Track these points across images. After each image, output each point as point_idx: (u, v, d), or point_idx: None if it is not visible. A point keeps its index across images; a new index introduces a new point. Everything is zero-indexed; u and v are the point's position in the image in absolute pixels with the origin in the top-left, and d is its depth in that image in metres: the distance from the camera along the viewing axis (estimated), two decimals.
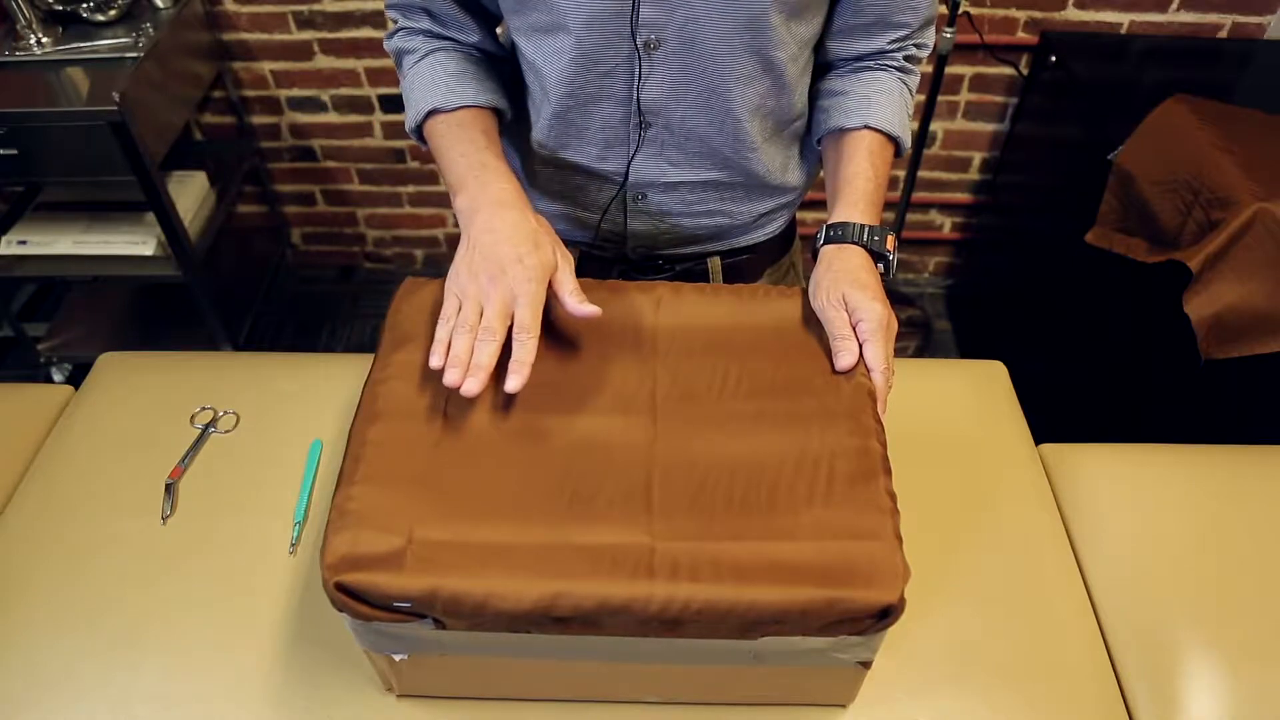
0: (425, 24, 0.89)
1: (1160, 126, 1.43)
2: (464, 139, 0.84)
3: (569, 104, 0.87)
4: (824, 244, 0.83)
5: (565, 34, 0.81)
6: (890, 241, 0.83)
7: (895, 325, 0.77)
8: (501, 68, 0.94)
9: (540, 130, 0.91)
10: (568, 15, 0.79)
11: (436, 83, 0.86)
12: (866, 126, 0.88)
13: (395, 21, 0.91)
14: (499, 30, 0.93)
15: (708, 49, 0.81)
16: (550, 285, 0.74)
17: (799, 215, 1.08)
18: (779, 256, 1.08)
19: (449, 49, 0.89)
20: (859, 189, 0.86)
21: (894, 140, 0.90)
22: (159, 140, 1.70)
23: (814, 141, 0.96)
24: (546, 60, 0.85)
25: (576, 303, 0.73)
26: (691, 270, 1.02)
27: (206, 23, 1.91)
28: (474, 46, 0.91)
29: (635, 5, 0.78)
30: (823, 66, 0.93)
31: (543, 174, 0.96)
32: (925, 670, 0.78)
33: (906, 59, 0.91)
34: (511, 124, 0.97)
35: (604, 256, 1.01)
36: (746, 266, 1.04)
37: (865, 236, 0.82)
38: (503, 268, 0.72)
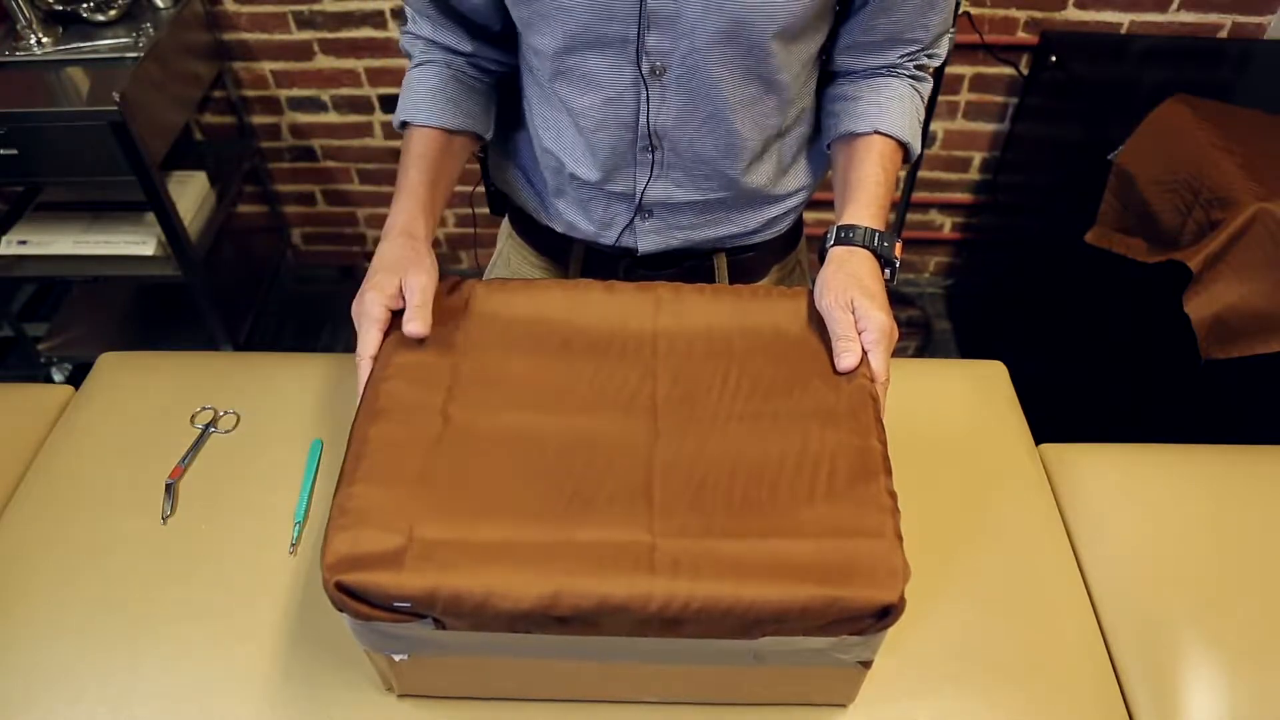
0: (427, 30, 0.91)
1: (1160, 126, 1.43)
2: (413, 159, 0.88)
3: (580, 122, 0.88)
4: (833, 245, 0.84)
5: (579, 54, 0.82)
6: (899, 248, 0.83)
7: (896, 335, 0.77)
8: (491, 85, 0.95)
9: (552, 142, 0.93)
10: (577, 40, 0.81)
11: (416, 96, 0.90)
12: (877, 132, 0.88)
13: (410, 19, 0.93)
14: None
15: (711, 75, 0.82)
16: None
17: (801, 215, 1.08)
18: (785, 254, 1.08)
19: (439, 64, 0.91)
20: (869, 193, 0.86)
21: (904, 146, 0.90)
22: (159, 140, 1.70)
23: (824, 145, 0.96)
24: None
25: (406, 324, 0.78)
26: (697, 267, 1.02)
27: (206, 23, 1.91)
28: (470, 56, 0.92)
29: (640, 33, 0.79)
30: (833, 74, 0.94)
31: (553, 184, 0.97)
32: (925, 670, 0.78)
33: (918, 68, 0.91)
34: (518, 136, 0.98)
35: (611, 253, 1.01)
36: (752, 263, 1.04)
37: (875, 241, 0.82)
38: (360, 296, 0.80)
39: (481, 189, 1.11)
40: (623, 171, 0.91)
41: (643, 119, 0.85)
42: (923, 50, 0.90)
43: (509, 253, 1.11)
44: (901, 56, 0.89)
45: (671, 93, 0.83)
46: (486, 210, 1.13)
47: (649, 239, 0.97)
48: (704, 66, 0.81)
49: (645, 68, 0.81)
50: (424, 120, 0.89)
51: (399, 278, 0.80)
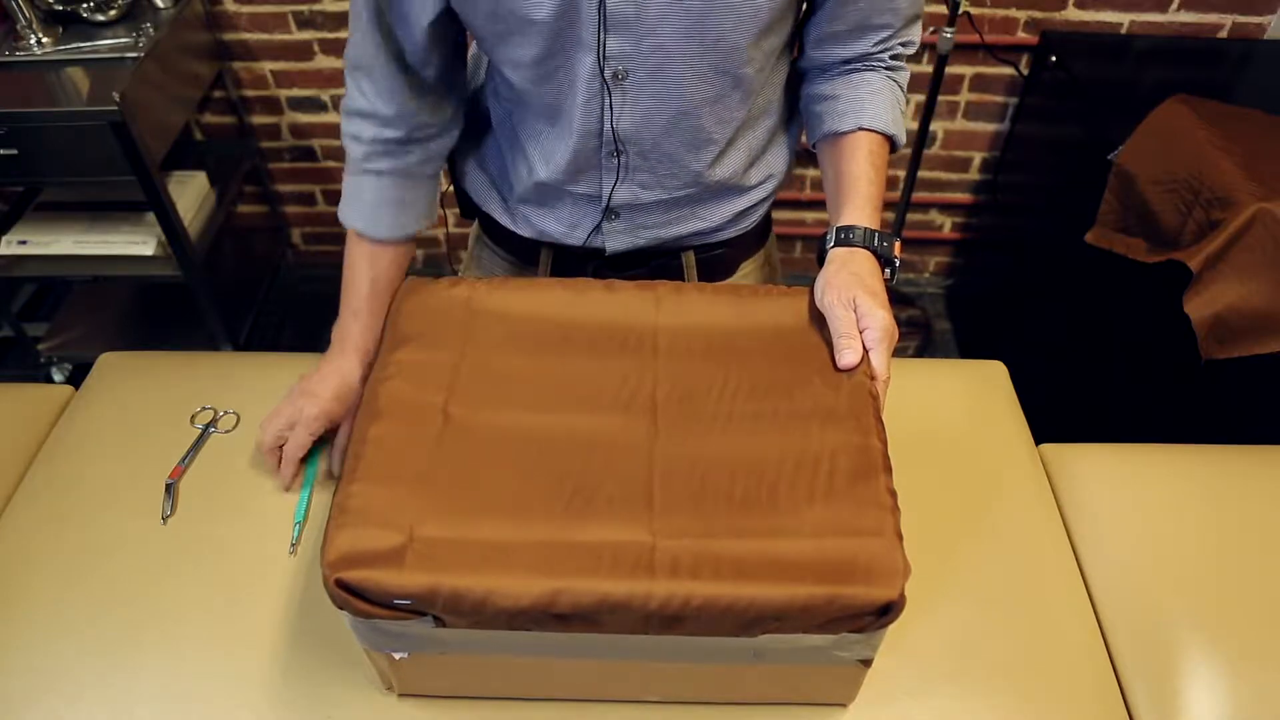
0: (367, 100, 0.87)
1: (1160, 126, 1.43)
2: (358, 273, 0.92)
3: (552, 126, 0.87)
4: (833, 246, 0.84)
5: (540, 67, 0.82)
6: (898, 247, 0.84)
7: (897, 334, 0.78)
8: (434, 174, 0.96)
9: (521, 147, 0.92)
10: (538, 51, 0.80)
11: (359, 207, 0.92)
12: (860, 128, 0.88)
13: (350, 93, 0.89)
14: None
15: (676, 74, 0.81)
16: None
17: (796, 215, 1.08)
18: (755, 250, 1.08)
19: (384, 173, 0.91)
20: (862, 192, 0.86)
21: (889, 138, 0.90)
22: (159, 140, 1.69)
23: (809, 144, 0.96)
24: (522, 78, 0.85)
25: (279, 472, 0.91)
26: (666, 265, 1.02)
27: (206, 23, 1.91)
28: (409, 138, 0.90)
29: (600, 39, 0.78)
30: (809, 70, 0.94)
31: (519, 190, 0.97)
32: (925, 669, 0.78)
33: (893, 58, 0.91)
34: (485, 144, 0.99)
35: (579, 254, 1.01)
36: (721, 261, 1.04)
37: (875, 241, 0.83)
38: (292, 400, 0.90)
39: (452, 190, 1.10)
40: (589, 175, 0.91)
41: (606, 124, 0.85)
42: (894, 38, 0.89)
43: (479, 252, 1.11)
44: (874, 45, 0.88)
45: (633, 97, 0.83)
46: (457, 211, 1.12)
47: (616, 239, 0.97)
48: (667, 67, 0.80)
49: (607, 73, 0.81)
50: (372, 234, 0.91)
51: (297, 420, 0.88)
